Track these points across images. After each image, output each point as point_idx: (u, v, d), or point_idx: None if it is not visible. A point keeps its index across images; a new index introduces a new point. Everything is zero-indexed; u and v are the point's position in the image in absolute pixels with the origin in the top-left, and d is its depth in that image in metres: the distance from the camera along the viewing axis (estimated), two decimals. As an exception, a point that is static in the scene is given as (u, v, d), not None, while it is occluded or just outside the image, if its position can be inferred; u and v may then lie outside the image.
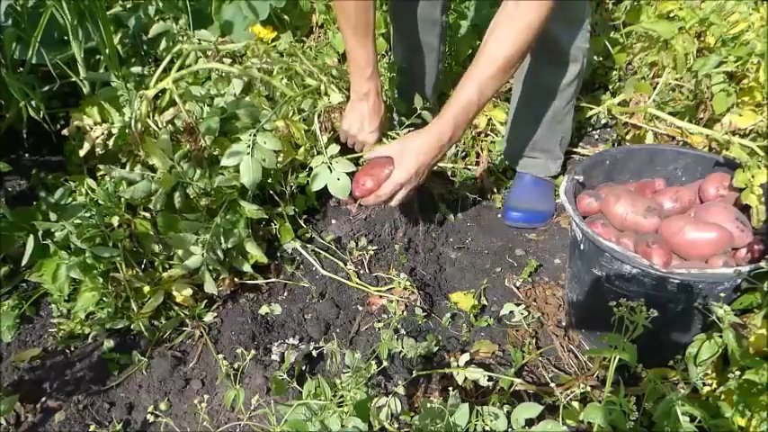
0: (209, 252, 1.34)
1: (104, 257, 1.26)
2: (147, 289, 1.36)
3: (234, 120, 1.47)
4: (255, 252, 1.45)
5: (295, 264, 1.55)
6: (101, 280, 1.28)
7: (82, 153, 1.50)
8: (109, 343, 1.34)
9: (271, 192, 1.53)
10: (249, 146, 1.31)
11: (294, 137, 1.49)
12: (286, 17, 1.93)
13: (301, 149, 1.50)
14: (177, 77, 1.47)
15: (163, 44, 1.64)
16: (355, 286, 1.49)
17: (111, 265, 1.30)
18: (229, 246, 1.39)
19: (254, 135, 1.32)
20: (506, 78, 1.25)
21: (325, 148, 1.39)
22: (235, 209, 1.41)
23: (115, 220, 1.32)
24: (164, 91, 1.50)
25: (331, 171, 1.36)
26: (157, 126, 1.44)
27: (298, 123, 1.49)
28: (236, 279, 1.46)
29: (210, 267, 1.37)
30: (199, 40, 1.59)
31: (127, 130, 1.43)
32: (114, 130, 1.50)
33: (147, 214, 1.39)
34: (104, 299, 1.31)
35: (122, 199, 1.35)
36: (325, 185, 1.37)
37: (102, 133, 1.51)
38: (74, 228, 1.23)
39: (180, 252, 1.36)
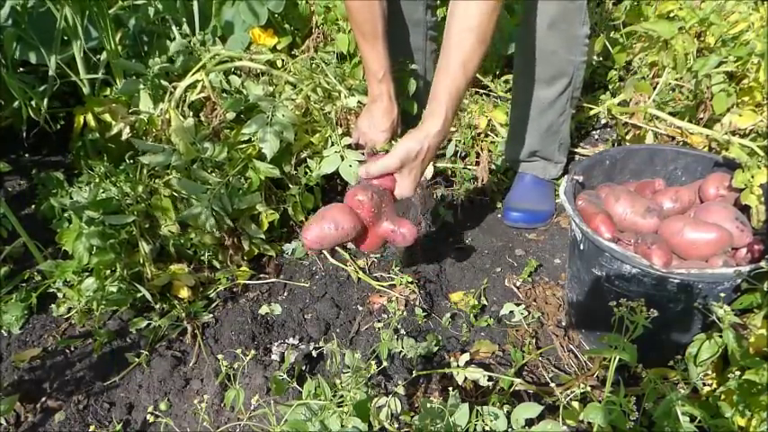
0: (217, 200, 1.39)
1: (119, 225, 1.33)
2: (154, 271, 1.39)
3: (255, 110, 1.55)
4: (263, 209, 1.48)
5: (305, 253, 1.59)
6: (118, 248, 1.34)
7: (111, 133, 1.58)
8: (110, 335, 1.35)
9: (285, 180, 1.58)
10: (269, 116, 1.43)
11: (312, 115, 1.59)
12: (287, 25, 1.94)
13: (317, 136, 1.57)
14: (211, 70, 1.58)
15: (173, 47, 1.67)
16: (364, 279, 1.50)
17: (128, 234, 1.37)
18: (242, 206, 1.43)
19: (274, 107, 1.44)
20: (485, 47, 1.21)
21: (339, 139, 1.48)
22: (248, 173, 1.48)
23: (139, 189, 1.38)
24: (193, 85, 1.60)
25: (343, 159, 1.45)
26: (184, 115, 1.54)
27: (316, 105, 1.59)
28: (244, 246, 1.51)
29: (214, 214, 1.40)
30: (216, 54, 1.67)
31: (157, 116, 1.54)
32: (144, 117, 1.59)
33: (167, 191, 1.43)
34: (117, 264, 1.34)
35: (144, 171, 1.44)
36: (333, 171, 1.47)
37: (130, 122, 1.59)
38: (90, 200, 1.31)
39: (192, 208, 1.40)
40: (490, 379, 1.11)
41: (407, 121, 1.71)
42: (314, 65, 1.72)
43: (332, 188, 1.74)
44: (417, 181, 1.24)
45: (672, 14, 1.73)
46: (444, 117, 1.20)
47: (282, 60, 1.74)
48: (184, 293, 1.42)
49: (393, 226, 1.19)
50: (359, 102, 1.61)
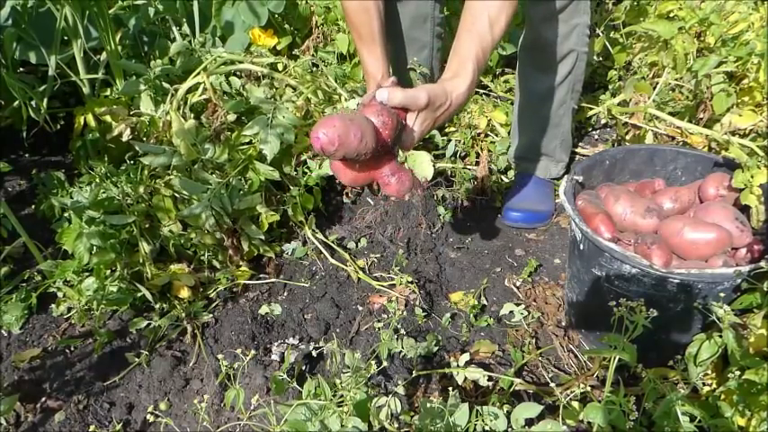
0: (217, 199, 1.39)
1: (120, 225, 1.33)
2: (154, 271, 1.39)
3: (256, 112, 1.55)
4: (264, 210, 1.48)
5: (306, 253, 1.59)
6: (118, 248, 1.34)
7: (113, 134, 1.58)
8: (111, 335, 1.35)
9: (285, 181, 1.58)
10: (270, 118, 1.44)
11: (312, 117, 1.59)
12: (287, 25, 1.94)
13: None
14: (213, 72, 1.58)
15: (173, 48, 1.67)
16: (364, 279, 1.50)
17: (128, 234, 1.36)
18: (242, 206, 1.44)
19: (275, 109, 1.45)
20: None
21: None
22: (249, 174, 1.49)
23: (140, 189, 1.38)
24: (194, 88, 1.60)
25: None
26: (185, 117, 1.54)
27: (316, 107, 1.59)
28: (243, 247, 1.51)
29: (214, 213, 1.40)
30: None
31: (158, 118, 1.55)
32: (145, 118, 1.59)
33: (168, 191, 1.42)
34: (117, 264, 1.35)
35: (145, 171, 1.44)
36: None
37: (131, 123, 1.59)
38: (90, 200, 1.31)
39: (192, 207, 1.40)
40: (490, 379, 1.11)
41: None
42: (314, 68, 1.72)
43: (332, 188, 1.74)
44: (422, 136, 1.09)
45: (672, 14, 1.73)
46: (471, 80, 1.09)
47: (284, 63, 1.74)
48: (184, 293, 1.42)
49: (391, 170, 0.98)
50: (359, 104, 1.61)
